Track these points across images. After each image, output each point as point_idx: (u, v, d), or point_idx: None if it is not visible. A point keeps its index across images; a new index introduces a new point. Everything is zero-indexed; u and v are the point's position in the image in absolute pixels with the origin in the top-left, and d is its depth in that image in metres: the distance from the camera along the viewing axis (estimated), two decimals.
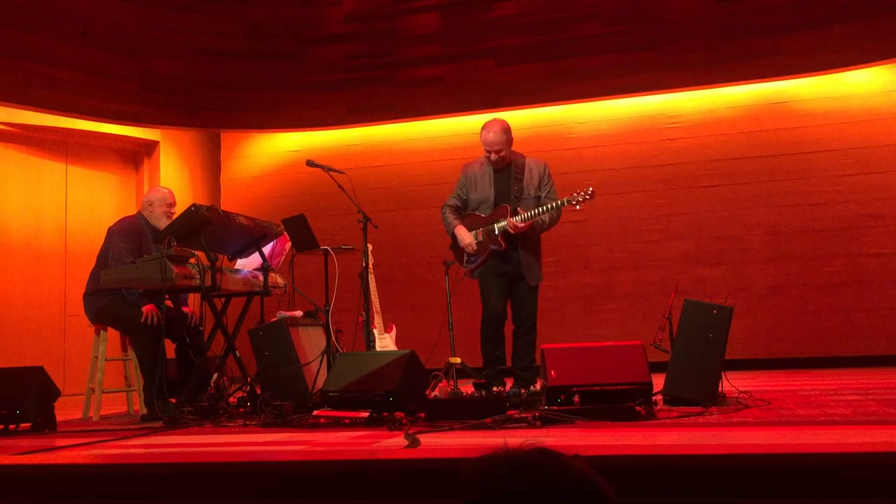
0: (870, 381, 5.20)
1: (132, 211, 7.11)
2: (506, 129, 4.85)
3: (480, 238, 4.84)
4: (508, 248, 4.78)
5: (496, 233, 4.76)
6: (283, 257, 5.47)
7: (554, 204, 4.69)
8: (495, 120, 4.93)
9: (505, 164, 4.86)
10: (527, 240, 4.80)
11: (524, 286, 4.84)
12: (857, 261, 7.12)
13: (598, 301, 7.60)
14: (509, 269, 4.83)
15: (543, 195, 4.81)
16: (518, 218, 4.66)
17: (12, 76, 6.75)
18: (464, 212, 4.99)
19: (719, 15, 7.26)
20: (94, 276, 4.99)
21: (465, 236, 4.86)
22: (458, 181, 5.05)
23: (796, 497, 2.23)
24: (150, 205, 5.11)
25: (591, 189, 4.69)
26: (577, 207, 4.76)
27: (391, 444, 3.10)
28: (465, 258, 4.91)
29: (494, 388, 4.47)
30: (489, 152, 4.83)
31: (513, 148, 4.91)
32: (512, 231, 4.68)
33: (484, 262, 4.84)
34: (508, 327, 4.88)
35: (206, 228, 4.63)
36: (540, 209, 4.69)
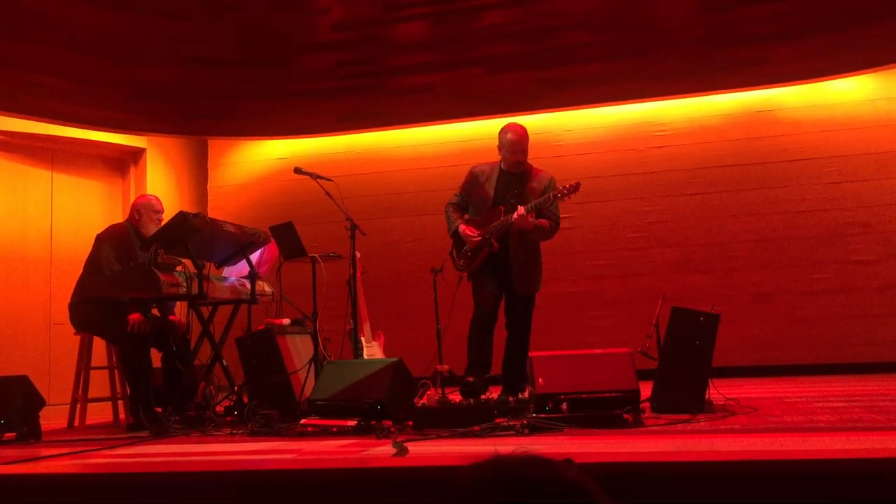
0: (856, 388, 5.23)
1: (118, 218, 7.09)
2: (527, 133, 4.91)
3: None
4: (500, 251, 4.77)
5: (489, 235, 4.77)
6: (271, 265, 5.46)
7: (550, 196, 4.70)
8: (517, 123, 4.98)
9: (521, 169, 4.88)
10: (520, 245, 4.79)
11: (516, 295, 4.83)
12: (843, 268, 7.16)
13: (586, 308, 7.61)
14: (502, 274, 4.83)
15: (545, 207, 4.79)
16: (527, 206, 4.66)
17: None
18: (464, 213, 5.00)
19: (706, 24, 7.31)
20: (81, 284, 4.96)
21: (469, 230, 4.86)
22: (464, 182, 5.06)
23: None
24: (137, 212, 5.09)
25: (576, 183, 4.70)
26: (561, 199, 4.75)
27: (379, 452, 3.09)
28: (460, 259, 4.91)
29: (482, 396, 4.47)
30: (514, 153, 4.83)
31: None
32: (516, 220, 4.65)
33: (479, 265, 4.84)
34: (502, 333, 4.88)
35: (194, 236, 4.61)
36: (541, 199, 4.70)
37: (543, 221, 4.78)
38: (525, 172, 4.91)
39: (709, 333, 4.07)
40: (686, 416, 3.73)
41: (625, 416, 3.54)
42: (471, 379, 4.58)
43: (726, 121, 7.56)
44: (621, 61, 7.41)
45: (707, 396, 4.03)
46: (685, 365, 4.05)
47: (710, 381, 4.06)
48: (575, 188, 4.67)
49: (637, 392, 3.66)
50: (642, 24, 7.46)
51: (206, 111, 7.96)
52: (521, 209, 4.64)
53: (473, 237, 4.80)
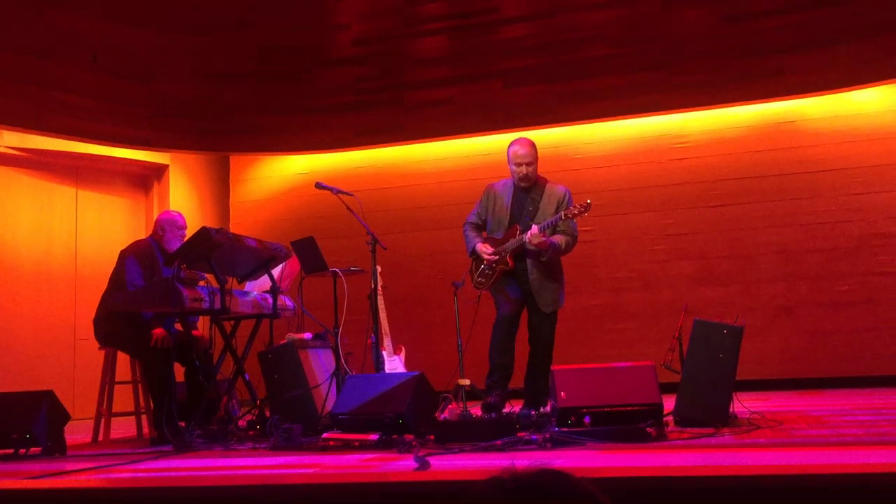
0: (882, 401, 5.17)
1: (142, 234, 7.16)
2: (534, 146, 4.95)
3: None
4: (518, 269, 4.78)
5: (505, 253, 4.78)
6: (292, 279, 5.49)
7: (562, 214, 4.69)
8: (524, 137, 5.06)
9: (530, 182, 4.89)
10: (537, 263, 4.79)
11: (537, 311, 4.83)
12: (867, 280, 7.09)
13: (608, 322, 7.58)
14: (523, 288, 4.83)
15: (561, 223, 4.79)
16: (541, 226, 4.66)
17: (24, 102, 6.82)
18: (482, 232, 5.02)
19: (725, 35, 7.28)
20: (105, 299, 5.01)
21: (485, 247, 4.87)
22: (480, 200, 5.09)
23: None
24: (161, 228, 5.15)
25: (587, 203, 4.69)
26: (572, 218, 4.74)
27: (401, 466, 3.09)
28: (479, 277, 4.92)
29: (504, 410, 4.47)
30: (519, 165, 4.86)
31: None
32: (529, 240, 4.66)
33: (494, 282, 4.85)
34: (524, 347, 4.87)
35: (216, 251, 4.64)
36: (554, 218, 4.71)
37: (558, 238, 4.77)
38: (539, 187, 4.92)
39: (732, 346, 4.03)
40: (710, 430, 3.69)
41: (648, 429, 3.52)
42: (490, 399, 4.59)
43: (747, 132, 7.52)
44: (640, 74, 7.40)
45: (731, 410, 4.00)
46: (709, 378, 4.02)
47: (733, 394, 4.03)
48: (586, 208, 4.67)
49: (660, 405, 3.64)
50: (660, 36, 7.45)
51: (226, 127, 8.04)
52: (534, 228, 4.64)
53: (489, 254, 4.82)
